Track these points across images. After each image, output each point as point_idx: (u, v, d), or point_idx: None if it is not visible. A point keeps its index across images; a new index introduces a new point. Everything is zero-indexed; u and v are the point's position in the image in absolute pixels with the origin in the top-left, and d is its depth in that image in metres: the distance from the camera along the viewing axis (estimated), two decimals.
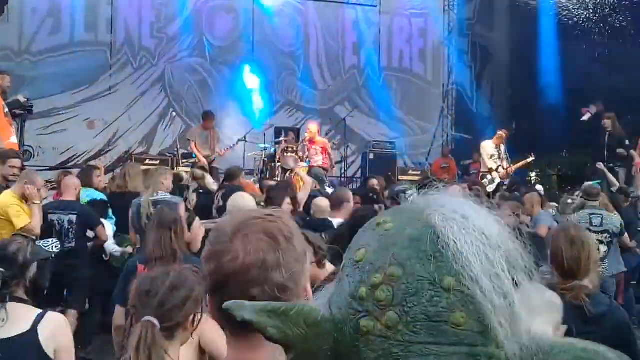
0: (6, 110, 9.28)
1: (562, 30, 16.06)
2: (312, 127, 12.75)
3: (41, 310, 3.09)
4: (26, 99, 9.77)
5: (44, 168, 13.15)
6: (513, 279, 0.94)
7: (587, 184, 7.95)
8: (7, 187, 6.57)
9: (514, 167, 12.64)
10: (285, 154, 12.70)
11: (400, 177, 14.54)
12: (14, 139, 9.50)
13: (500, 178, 12.36)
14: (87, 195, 7.42)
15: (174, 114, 14.30)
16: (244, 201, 5.25)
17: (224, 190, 7.67)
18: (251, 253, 1.38)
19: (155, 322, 2.30)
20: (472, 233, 0.94)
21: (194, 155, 12.09)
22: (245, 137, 13.82)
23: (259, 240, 1.40)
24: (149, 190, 6.60)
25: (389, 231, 0.97)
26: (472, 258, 0.91)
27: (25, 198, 6.23)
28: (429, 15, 18.64)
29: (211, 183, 8.82)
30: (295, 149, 12.92)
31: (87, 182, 7.62)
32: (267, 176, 12.14)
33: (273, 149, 13.25)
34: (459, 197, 1.02)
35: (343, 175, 15.38)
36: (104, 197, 7.61)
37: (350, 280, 0.97)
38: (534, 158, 12.86)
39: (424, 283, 0.91)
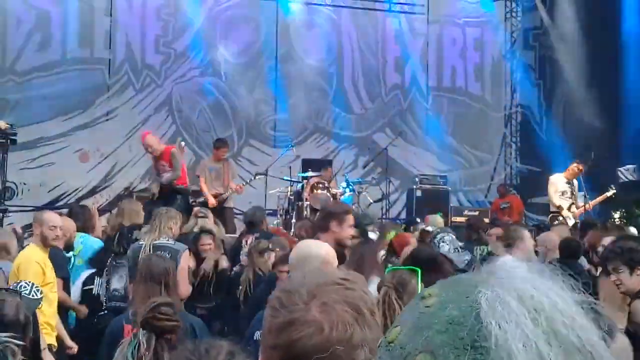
0: None
1: None
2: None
3: None
4: (8, 126, 9.97)
5: (29, 208, 13.30)
6: None
7: None
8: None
9: (591, 204, 12.49)
10: (315, 191, 12.71)
11: (454, 219, 14.42)
12: None
13: (574, 218, 12.21)
14: (82, 241, 7.47)
15: (183, 143, 14.39)
16: (318, 250, 4.39)
17: (255, 234, 8.34)
18: (338, 327, 1.41)
19: None
20: (526, 322, 0.90)
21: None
22: (266, 171, 13.86)
23: (343, 311, 1.43)
24: (153, 233, 6.70)
25: (429, 308, 0.97)
26: (517, 355, 0.87)
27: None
28: (487, 24, 18.67)
29: (211, 225, 8.93)
30: (327, 184, 12.94)
31: (84, 225, 7.68)
32: (295, 217, 12.13)
33: (300, 184, 13.25)
34: (533, 268, 0.99)
35: (384, 216, 15.29)
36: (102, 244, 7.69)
37: None
38: (614, 191, 12.70)
39: None
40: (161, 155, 11.23)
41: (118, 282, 7.01)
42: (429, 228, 8.47)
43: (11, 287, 4.22)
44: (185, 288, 6.40)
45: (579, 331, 0.91)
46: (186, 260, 6.66)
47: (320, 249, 4.28)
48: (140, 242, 6.73)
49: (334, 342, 1.38)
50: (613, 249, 4.72)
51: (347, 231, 5.44)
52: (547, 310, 0.91)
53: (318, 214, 8.55)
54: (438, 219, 10.41)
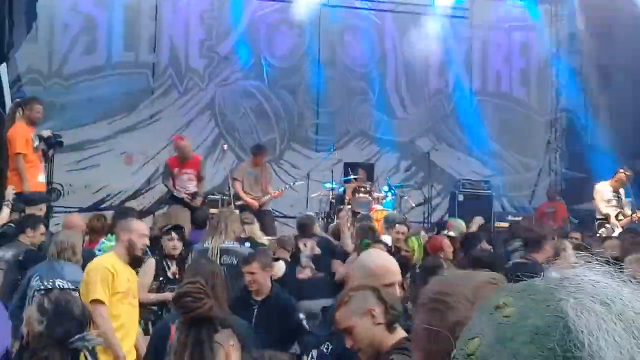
0: (36, 143, 9.63)
1: None
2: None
3: None
4: (51, 135, 10.12)
5: (74, 209, 13.50)
6: None
7: None
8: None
9: (639, 214, 12.26)
10: (357, 195, 12.70)
11: (497, 224, 14.28)
12: (41, 178, 9.83)
13: (621, 227, 12.01)
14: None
15: (225, 146, 14.50)
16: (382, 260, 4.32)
17: (316, 239, 8.68)
18: None
19: None
20: (615, 328, 0.88)
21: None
22: (308, 175, 13.89)
23: None
24: (217, 235, 6.72)
25: (509, 318, 0.95)
26: None
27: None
28: (533, 28, 18.48)
29: (260, 234, 8.97)
30: (368, 188, 12.92)
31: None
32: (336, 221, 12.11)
33: (342, 188, 13.25)
34: (603, 271, 0.97)
35: (426, 221, 15.21)
36: None
37: None
38: None
39: None
40: (188, 163, 11.29)
41: None
42: (452, 233, 8.37)
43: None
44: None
45: None
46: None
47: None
48: (206, 245, 6.71)
49: None
50: None
51: None
52: (634, 317, 0.90)
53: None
54: (461, 223, 10.26)
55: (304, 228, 9.22)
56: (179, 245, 6.85)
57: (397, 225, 9.34)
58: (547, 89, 18.57)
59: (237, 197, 12.22)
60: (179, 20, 16.65)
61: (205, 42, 16.73)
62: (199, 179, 11.44)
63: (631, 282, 0.95)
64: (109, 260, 5.95)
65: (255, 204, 11.90)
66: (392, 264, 3.96)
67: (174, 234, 6.78)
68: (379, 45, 17.61)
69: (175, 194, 11.28)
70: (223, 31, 16.76)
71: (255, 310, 5.89)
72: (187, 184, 11.28)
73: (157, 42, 16.37)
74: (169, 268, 6.74)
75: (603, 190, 12.57)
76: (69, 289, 5.58)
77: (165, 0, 16.43)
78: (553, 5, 18.50)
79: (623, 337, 0.87)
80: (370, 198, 12.72)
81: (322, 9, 16.95)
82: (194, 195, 11.33)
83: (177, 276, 6.60)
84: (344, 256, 8.40)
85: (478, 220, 11.72)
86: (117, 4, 16.09)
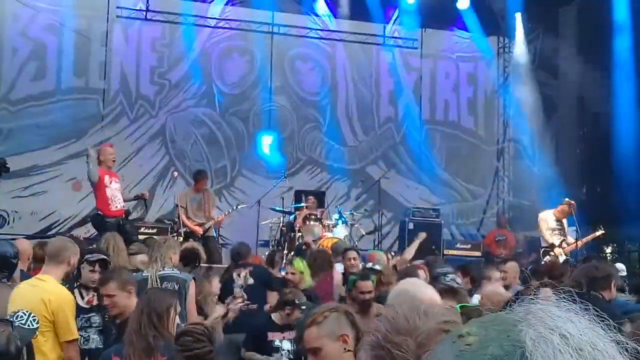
0: None
1: None
2: None
3: None
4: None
5: (20, 236, 13.26)
6: None
7: None
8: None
9: (583, 242, 12.46)
10: (308, 222, 12.73)
11: (446, 252, 14.43)
12: None
13: (565, 254, 12.20)
14: None
15: (176, 173, 14.40)
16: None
17: (249, 269, 8.46)
18: None
19: None
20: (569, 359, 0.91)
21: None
22: (259, 202, 13.89)
23: None
24: (154, 263, 6.64)
25: (470, 346, 0.96)
26: None
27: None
28: (480, 59, 18.83)
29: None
30: (319, 216, 12.96)
31: None
32: (286, 248, 12.14)
33: (292, 216, 13.28)
34: (568, 307, 1.00)
35: (377, 248, 15.29)
36: None
37: None
38: (603, 232, 12.65)
39: None
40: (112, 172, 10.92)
41: None
42: (377, 267, 7.98)
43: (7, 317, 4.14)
44: (194, 317, 6.34)
45: None
46: (193, 289, 6.57)
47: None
48: (144, 274, 6.61)
49: None
50: None
51: None
52: (590, 351, 0.92)
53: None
54: (382, 255, 10.03)
55: (239, 257, 9.00)
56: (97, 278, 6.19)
57: (347, 252, 9.31)
58: (494, 119, 18.88)
59: (184, 224, 12.18)
60: (130, 47, 16.58)
61: (157, 70, 16.68)
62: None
63: (594, 319, 0.97)
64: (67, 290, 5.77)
65: (199, 230, 11.87)
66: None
67: (97, 267, 6.13)
68: (330, 73, 17.74)
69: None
70: (174, 58, 16.74)
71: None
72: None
73: (108, 69, 16.27)
74: (82, 297, 6.09)
75: (547, 219, 12.72)
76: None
77: (117, 26, 16.36)
78: (500, 37, 18.87)
79: None
80: (320, 226, 12.77)
81: (274, 37, 17.06)
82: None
83: (93, 303, 6.03)
84: (281, 285, 8.14)
85: (422, 235, 11.62)
86: (67, 29, 15.97)
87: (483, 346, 0.94)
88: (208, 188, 12.80)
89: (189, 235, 11.70)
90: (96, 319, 5.94)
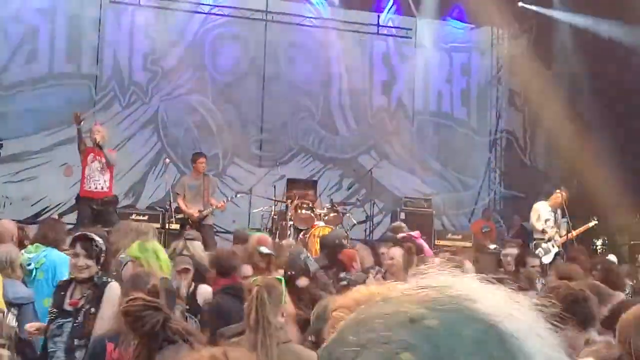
0: None
1: None
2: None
3: None
4: None
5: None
6: None
7: None
8: None
9: (574, 234, 12.48)
10: (299, 211, 12.73)
11: (437, 241, 14.45)
12: None
13: (557, 246, 12.22)
14: (45, 255, 6.76)
15: (168, 160, 14.34)
16: None
17: None
18: None
19: None
20: (539, 332, 0.90)
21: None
22: (251, 190, 13.87)
23: None
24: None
25: (437, 330, 0.87)
26: None
27: None
28: (474, 49, 18.83)
29: (200, 251, 8.29)
30: (311, 205, 12.95)
31: (53, 238, 7.12)
32: (278, 237, 12.12)
33: (284, 204, 13.27)
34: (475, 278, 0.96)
35: (368, 238, 15.31)
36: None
37: None
38: (596, 222, 12.69)
39: None
40: (100, 150, 10.81)
41: None
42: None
43: None
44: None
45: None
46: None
47: None
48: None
49: None
50: None
51: None
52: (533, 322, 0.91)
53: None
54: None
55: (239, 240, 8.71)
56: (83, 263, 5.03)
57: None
58: (487, 110, 18.89)
59: (178, 210, 12.13)
60: (123, 33, 16.51)
61: (149, 56, 16.61)
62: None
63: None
64: None
65: (195, 214, 11.81)
66: None
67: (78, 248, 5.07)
68: (324, 62, 17.69)
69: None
70: (167, 45, 16.65)
71: None
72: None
73: (101, 54, 16.20)
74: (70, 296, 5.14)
75: (541, 210, 12.72)
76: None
77: (110, 12, 16.29)
78: (494, 28, 18.84)
79: (548, 342, 0.89)
80: (312, 214, 12.76)
81: (268, 24, 17.01)
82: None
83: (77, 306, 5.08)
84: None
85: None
86: (60, 14, 15.90)
87: (454, 328, 0.87)
88: (208, 174, 12.73)
89: (184, 221, 11.67)
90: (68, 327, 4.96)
